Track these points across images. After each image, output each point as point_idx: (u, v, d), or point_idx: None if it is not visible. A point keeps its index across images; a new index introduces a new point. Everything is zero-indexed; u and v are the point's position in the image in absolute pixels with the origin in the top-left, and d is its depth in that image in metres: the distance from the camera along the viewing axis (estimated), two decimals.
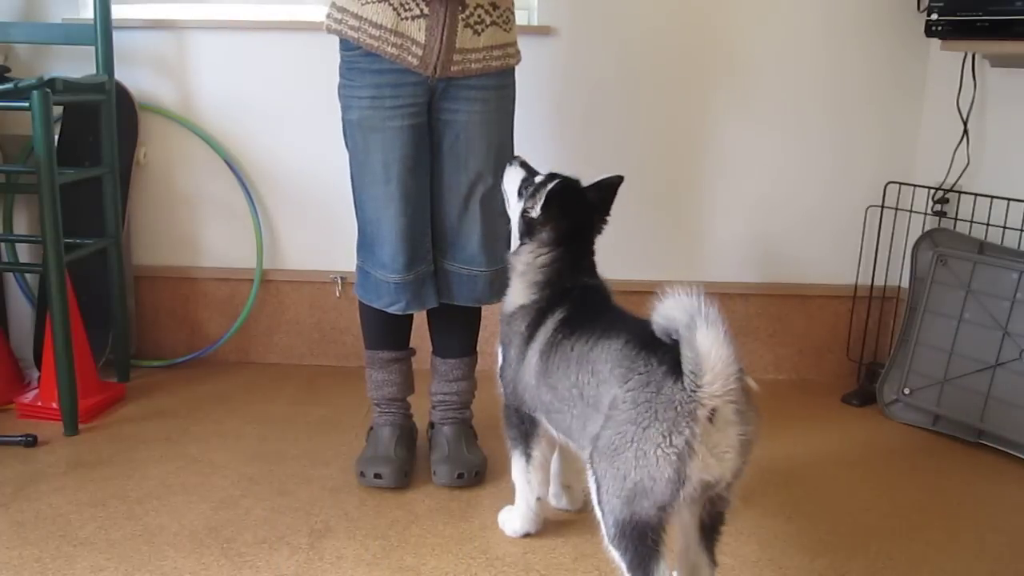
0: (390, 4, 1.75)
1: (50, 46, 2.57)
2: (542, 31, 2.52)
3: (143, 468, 2.03)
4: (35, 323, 2.61)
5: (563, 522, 1.83)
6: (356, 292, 1.99)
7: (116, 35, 2.44)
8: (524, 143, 2.59)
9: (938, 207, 2.49)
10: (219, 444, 2.16)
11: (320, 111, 2.60)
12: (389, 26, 1.76)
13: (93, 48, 2.39)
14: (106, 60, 2.40)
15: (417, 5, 1.75)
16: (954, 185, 2.45)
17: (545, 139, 2.59)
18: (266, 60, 2.58)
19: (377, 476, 1.92)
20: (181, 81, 2.60)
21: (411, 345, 2.07)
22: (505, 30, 1.86)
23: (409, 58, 1.78)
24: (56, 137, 2.24)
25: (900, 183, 2.54)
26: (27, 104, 2.07)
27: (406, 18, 1.76)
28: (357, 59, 1.82)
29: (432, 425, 2.09)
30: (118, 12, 2.49)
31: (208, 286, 2.71)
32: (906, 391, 2.37)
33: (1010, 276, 2.21)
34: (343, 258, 2.67)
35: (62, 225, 2.13)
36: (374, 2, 1.76)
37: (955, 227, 2.44)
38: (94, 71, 2.40)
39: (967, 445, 2.24)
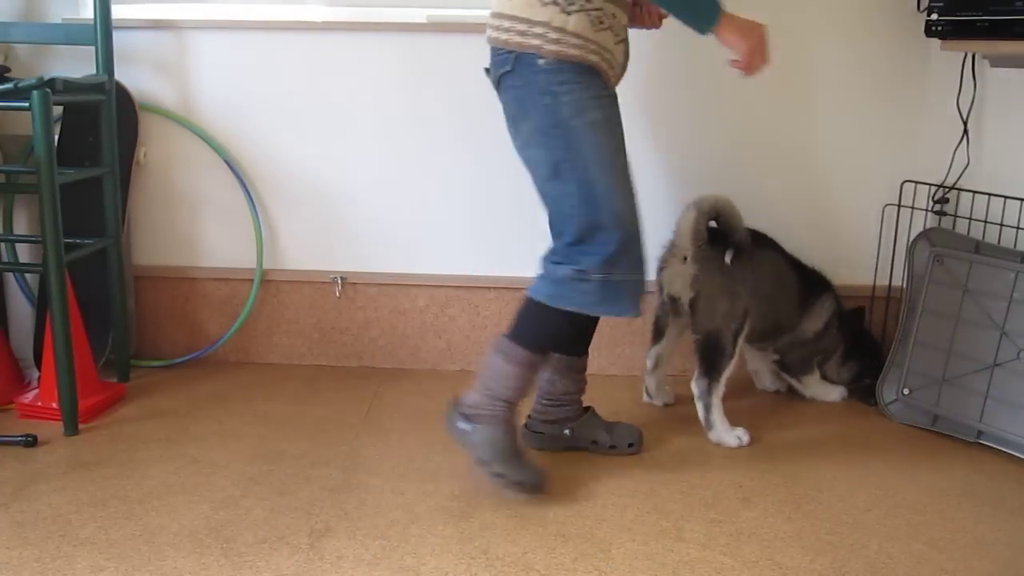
0: (612, 30, 1.84)
1: (50, 46, 2.57)
2: None
3: (143, 468, 2.03)
4: (35, 323, 2.61)
5: (563, 522, 1.83)
6: (597, 309, 1.89)
7: (116, 35, 2.44)
8: None
9: (938, 207, 2.49)
10: (219, 444, 2.16)
11: (320, 111, 2.60)
12: (610, 49, 1.85)
13: (93, 48, 2.39)
14: (106, 60, 2.40)
15: (624, 30, 1.90)
16: (955, 184, 2.45)
17: None
18: (266, 60, 2.58)
19: (535, 487, 1.92)
20: (181, 81, 2.60)
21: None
22: None
23: (612, 78, 1.90)
24: (56, 137, 2.24)
25: (916, 182, 2.54)
26: (27, 104, 2.06)
27: (617, 43, 1.87)
28: (583, 69, 1.83)
29: (565, 421, 2.13)
30: (118, 12, 2.49)
31: (208, 286, 2.71)
32: (905, 391, 2.37)
33: (1007, 276, 2.21)
34: (343, 258, 2.68)
35: (62, 225, 2.13)
36: (605, 29, 1.82)
37: (955, 226, 2.44)
38: (94, 71, 2.41)
39: (967, 445, 2.24)
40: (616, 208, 1.85)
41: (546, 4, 1.78)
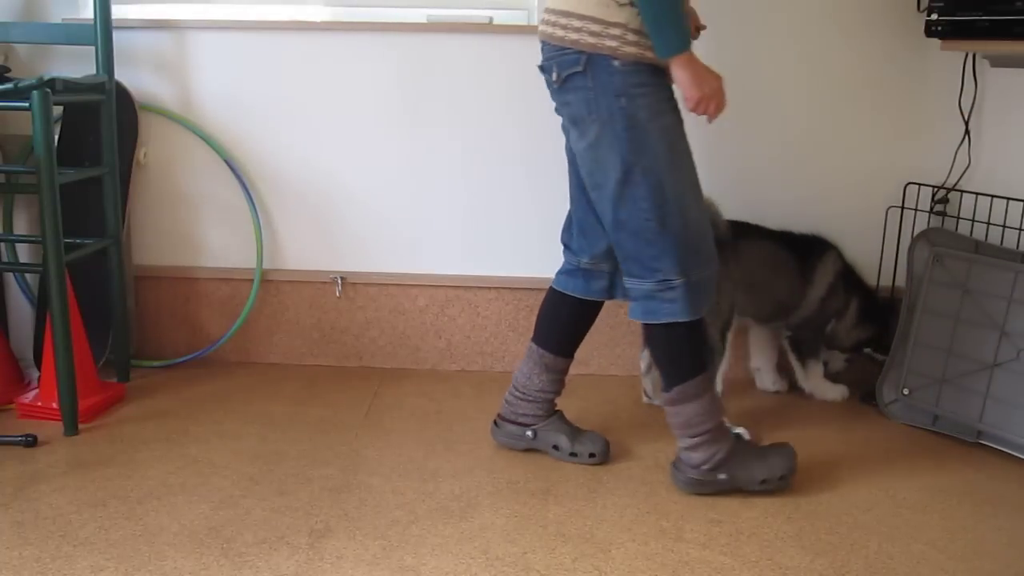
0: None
1: (50, 46, 2.57)
2: None
3: (143, 468, 2.03)
4: (35, 323, 2.61)
5: (563, 522, 1.84)
6: (687, 315, 1.86)
7: (116, 35, 2.44)
8: (524, 143, 2.61)
9: (939, 207, 2.49)
10: (219, 444, 2.16)
11: (320, 111, 2.60)
12: None
13: (93, 48, 2.39)
14: (106, 60, 2.40)
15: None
16: (955, 185, 2.45)
17: (544, 140, 2.59)
18: (266, 60, 2.58)
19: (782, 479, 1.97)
20: (181, 81, 2.60)
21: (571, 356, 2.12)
22: None
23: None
24: (56, 137, 2.24)
25: (919, 184, 2.54)
26: (27, 104, 2.06)
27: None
28: (657, 71, 1.81)
29: (522, 422, 2.13)
30: (118, 12, 2.49)
31: (208, 286, 2.71)
32: (905, 391, 2.37)
33: (1006, 276, 2.21)
34: (343, 258, 2.68)
35: (62, 225, 2.13)
36: None
37: (957, 227, 2.44)
38: (94, 71, 2.41)
39: (967, 445, 2.24)
40: (684, 210, 1.84)
41: (622, 5, 1.76)
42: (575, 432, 2.12)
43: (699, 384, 1.91)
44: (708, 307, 1.92)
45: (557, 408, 2.15)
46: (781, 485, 1.97)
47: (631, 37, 1.77)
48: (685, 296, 1.85)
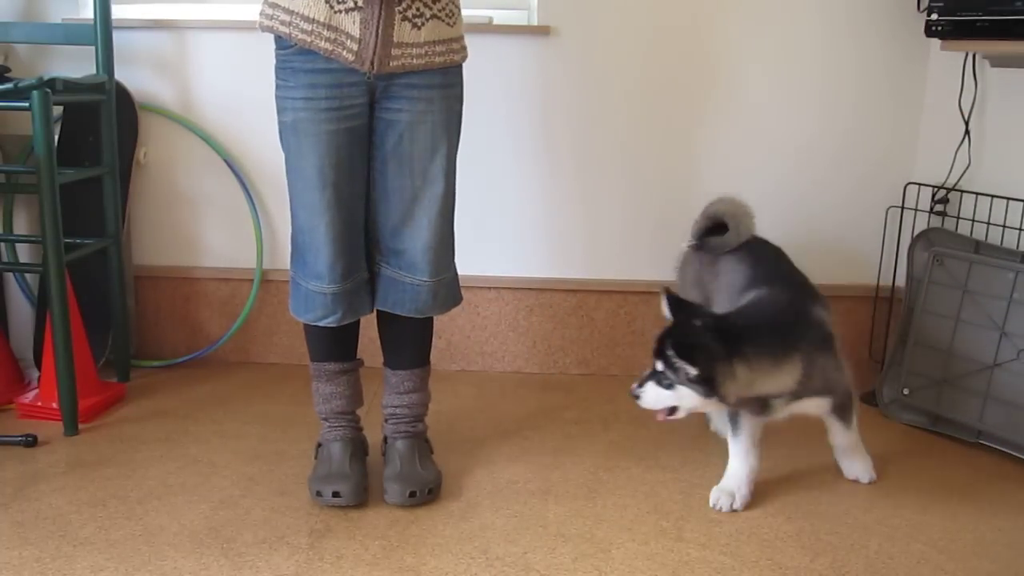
0: None
1: (50, 46, 2.57)
2: (542, 31, 2.52)
3: (143, 468, 2.03)
4: (35, 323, 2.61)
5: (563, 522, 1.83)
6: (291, 308, 1.88)
7: (116, 35, 2.44)
8: (524, 143, 2.61)
9: (939, 207, 2.49)
10: (219, 444, 2.16)
11: None
12: (322, 20, 1.69)
13: (93, 48, 2.39)
14: (106, 60, 2.40)
15: None
16: (955, 185, 2.45)
17: (544, 140, 2.59)
18: (266, 60, 2.56)
19: (336, 495, 1.83)
20: (181, 81, 2.60)
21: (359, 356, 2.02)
22: (448, 24, 1.77)
23: (344, 53, 1.70)
24: (56, 137, 2.25)
25: (919, 184, 2.54)
26: (27, 104, 2.07)
27: (339, 11, 1.68)
28: (291, 58, 1.75)
29: (385, 439, 2.02)
30: (118, 12, 2.49)
31: (208, 286, 2.71)
32: (905, 391, 2.37)
33: (1006, 276, 2.21)
34: None
35: (62, 225, 2.13)
36: None
37: (957, 227, 2.44)
38: (94, 71, 2.41)
39: (967, 445, 2.24)
40: (297, 212, 1.84)
41: None
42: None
43: (313, 369, 1.96)
44: (296, 311, 1.87)
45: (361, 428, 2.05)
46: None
47: (267, 10, 1.76)
48: (291, 294, 1.89)
